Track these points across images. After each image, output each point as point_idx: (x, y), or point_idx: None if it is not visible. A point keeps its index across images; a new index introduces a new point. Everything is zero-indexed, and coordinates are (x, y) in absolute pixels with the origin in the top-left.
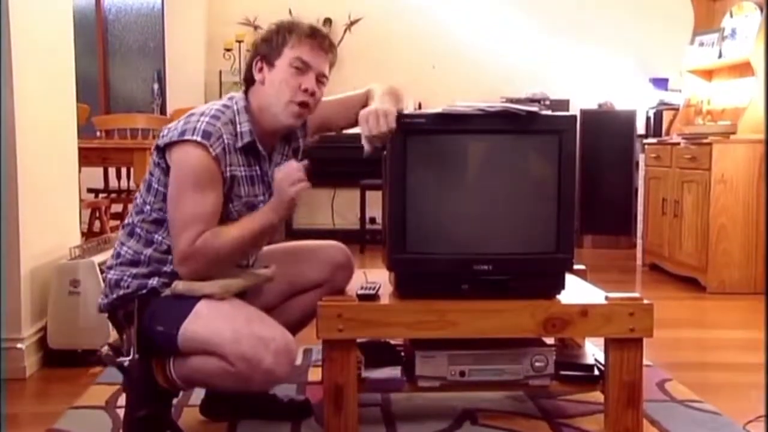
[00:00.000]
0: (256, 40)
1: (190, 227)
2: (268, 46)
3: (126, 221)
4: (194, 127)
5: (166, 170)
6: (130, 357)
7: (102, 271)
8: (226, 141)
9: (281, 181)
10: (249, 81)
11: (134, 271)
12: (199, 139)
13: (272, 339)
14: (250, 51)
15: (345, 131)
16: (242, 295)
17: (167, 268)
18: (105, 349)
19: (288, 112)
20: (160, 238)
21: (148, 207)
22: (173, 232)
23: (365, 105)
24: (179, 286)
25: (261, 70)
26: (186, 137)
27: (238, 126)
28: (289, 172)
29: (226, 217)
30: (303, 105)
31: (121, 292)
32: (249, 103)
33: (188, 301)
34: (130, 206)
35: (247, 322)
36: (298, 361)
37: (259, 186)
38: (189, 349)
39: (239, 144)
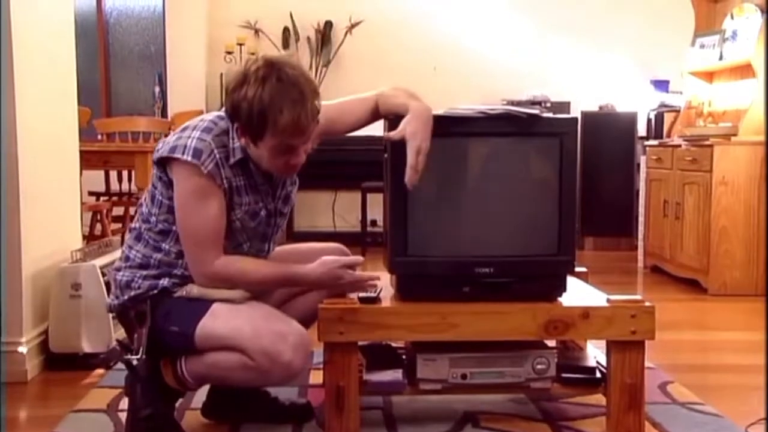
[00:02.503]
0: (233, 98)
1: (204, 246)
2: (248, 125)
3: (133, 226)
4: (185, 145)
5: (169, 183)
6: (140, 356)
7: (104, 274)
8: (217, 156)
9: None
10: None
11: (144, 273)
12: (189, 159)
13: (290, 333)
14: (226, 102)
15: (348, 134)
16: (253, 296)
17: (177, 271)
18: (113, 344)
19: (277, 172)
20: (167, 246)
21: (153, 218)
22: (186, 249)
23: (373, 109)
24: (194, 290)
25: (243, 136)
26: (176, 155)
27: (231, 141)
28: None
29: (229, 227)
30: (291, 169)
31: (133, 293)
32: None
33: (203, 302)
34: (133, 209)
35: (265, 319)
36: None
37: (258, 194)
38: (206, 346)
39: (231, 161)
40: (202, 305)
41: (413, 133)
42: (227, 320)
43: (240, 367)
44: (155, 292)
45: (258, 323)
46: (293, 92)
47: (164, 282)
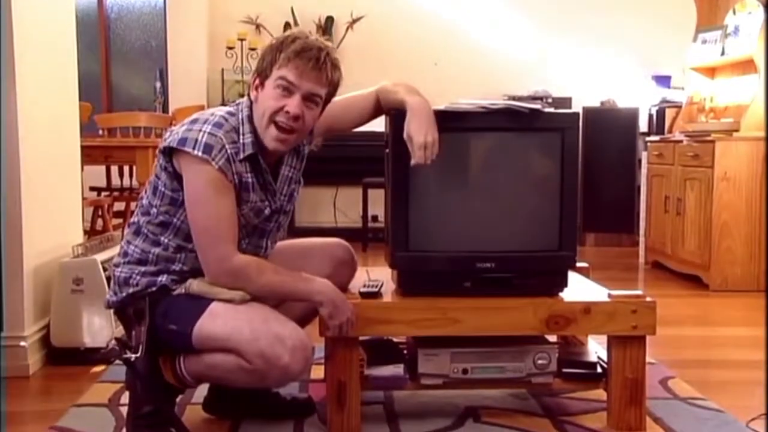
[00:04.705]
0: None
1: (219, 239)
2: (262, 64)
3: (132, 220)
4: (196, 139)
5: (173, 174)
6: (138, 354)
7: (106, 269)
8: (228, 151)
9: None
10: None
11: (142, 269)
12: (200, 154)
13: (289, 337)
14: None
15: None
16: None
17: (176, 266)
18: (112, 342)
19: (269, 136)
20: (166, 240)
21: (154, 210)
22: (200, 242)
23: (375, 104)
24: (194, 286)
25: (256, 88)
26: (187, 149)
27: (241, 137)
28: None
29: None
30: (284, 129)
31: (131, 290)
32: (253, 112)
33: (202, 301)
34: (134, 204)
35: (263, 320)
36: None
37: (265, 192)
38: (204, 346)
39: (241, 156)
40: (200, 304)
41: (416, 130)
42: (225, 321)
43: (237, 369)
44: (154, 289)
45: (256, 325)
46: (309, 36)
47: (163, 279)
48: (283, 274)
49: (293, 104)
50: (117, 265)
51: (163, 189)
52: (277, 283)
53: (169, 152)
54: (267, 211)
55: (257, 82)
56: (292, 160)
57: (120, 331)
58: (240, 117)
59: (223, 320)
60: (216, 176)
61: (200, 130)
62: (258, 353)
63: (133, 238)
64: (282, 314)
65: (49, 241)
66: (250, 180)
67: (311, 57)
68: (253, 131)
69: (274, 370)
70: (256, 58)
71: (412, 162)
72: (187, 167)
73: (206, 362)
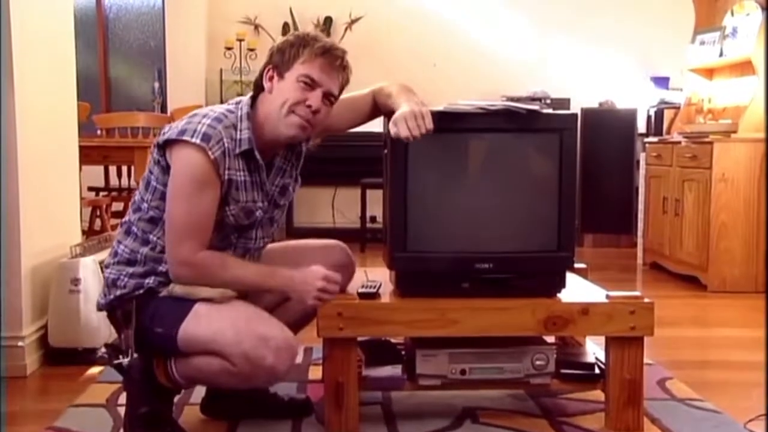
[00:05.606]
0: (272, 47)
1: (190, 235)
2: (281, 57)
3: (124, 219)
4: (195, 129)
5: (166, 168)
6: (129, 358)
7: (103, 269)
8: (226, 145)
9: (306, 285)
10: (259, 87)
11: (131, 270)
12: (198, 141)
13: (273, 337)
14: (266, 57)
15: (348, 130)
16: (244, 295)
17: (162, 268)
18: (102, 350)
19: (287, 123)
20: (154, 238)
21: (145, 204)
22: (171, 235)
23: (372, 105)
24: (176, 289)
25: (271, 78)
26: (185, 138)
27: (238, 132)
28: (317, 281)
29: (221, 221)
30: (303, 119)
31: (119, 292)
32: (255, 109)
33: (186, 303)
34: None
35: (247, 321)
36: (299, 359)
37: (257, 192)
38: (190, 349)
39: (237, 150)
40: (185, 306)
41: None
42: (209, 323)
43: (222, 372)
44: (141, 292)
45: (240, 326)
46: (330, 42)
47: (150, 281)
48: (247, 269)
49: (315, 98)
50: (107, 266)
51: (155, 184)
52: (240, 277)
53: (164, 146)
54: (258, 213)
55: (272, 73)
56: (287, 153)
57: (114, 334)
58: (239, 114)
59: (206, 322)
60: (207, 168)
61: (200, 122)
62: (242, 355)
63: (123, 238)
64: (277, 316)
65: (47, 241)
66: (241, 179)
67: (336, 57)
68: (251, 128)
69: (259, 371)
70: (256, 59)
71: (392, 132)
72: (180, 155)
73: (194, 365)
